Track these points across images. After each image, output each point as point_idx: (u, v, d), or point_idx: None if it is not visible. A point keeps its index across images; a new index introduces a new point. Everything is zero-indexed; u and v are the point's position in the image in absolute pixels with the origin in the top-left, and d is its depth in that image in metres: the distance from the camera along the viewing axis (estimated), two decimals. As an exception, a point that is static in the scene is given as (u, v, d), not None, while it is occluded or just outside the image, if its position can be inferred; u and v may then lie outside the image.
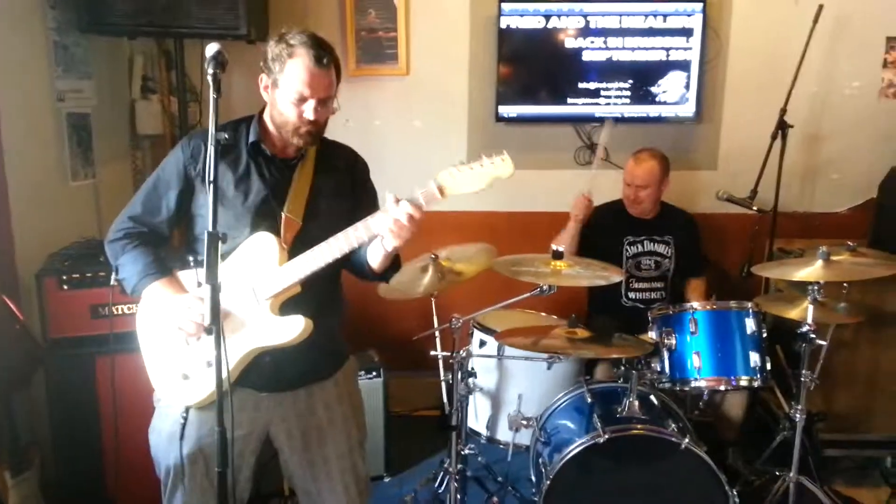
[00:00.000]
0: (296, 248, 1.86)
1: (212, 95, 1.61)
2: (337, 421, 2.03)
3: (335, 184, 1.98)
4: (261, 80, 1.87)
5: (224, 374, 1.58)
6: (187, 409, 1.88)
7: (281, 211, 1.88)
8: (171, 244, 2.05)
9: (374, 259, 1.88)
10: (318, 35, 1.85)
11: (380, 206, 2.01)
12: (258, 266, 1.85)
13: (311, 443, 2.00)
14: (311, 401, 2.00)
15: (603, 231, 3.25)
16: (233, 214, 1.87)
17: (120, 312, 2.61)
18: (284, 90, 1.81)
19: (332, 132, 3.76)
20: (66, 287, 2.61)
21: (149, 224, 1.94)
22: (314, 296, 1.89)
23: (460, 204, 3.69)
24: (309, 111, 1.81)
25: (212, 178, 1.57)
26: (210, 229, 1.56)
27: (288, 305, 1.86)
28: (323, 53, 1.80)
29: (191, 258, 1.80)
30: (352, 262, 1.94)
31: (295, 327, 1.83)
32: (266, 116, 1.92)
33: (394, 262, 1.93)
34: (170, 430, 1.92)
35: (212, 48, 1.61)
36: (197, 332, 1.83)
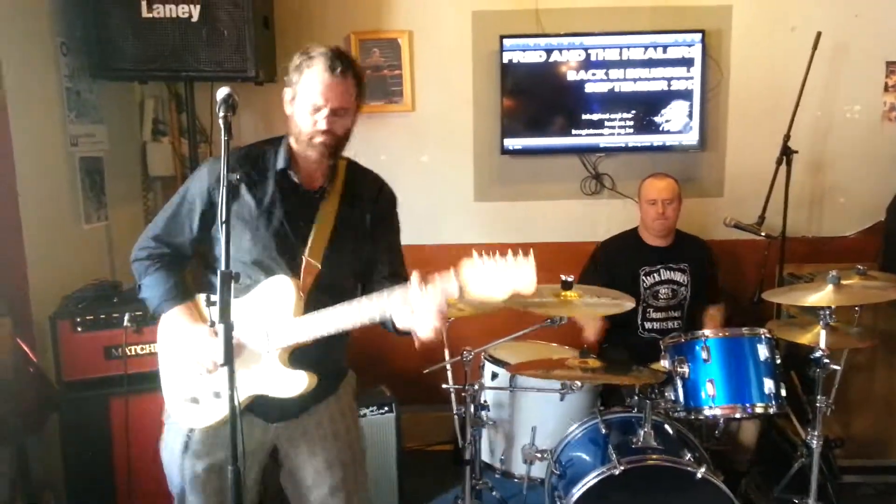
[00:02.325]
0: (312, 293, 1.86)
1: (223, 138, 1.63)
2: (340, 432, 2.04)
3: (356, 223, 1.96)
4: (285, 94, 1.88)
5: (236, 412, 1.60)
6: (191, 430, 1.90)
7: (302, 254, 1.88)
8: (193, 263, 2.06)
9: (400, 322, 1.73)
10: (340, 48, 1.85)
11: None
12: (274, 310, 1.85)
13: (316, 455, 2.01)
14: (318, 416, 2.01)
15: (618, 263, 3.26)
16: (253, 244, 1.87)
17: (133, 353, 2.63)
18: (301, 99, 1.82)
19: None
20: (79, 329, 2.63)
21: (171, 244, 1.95)
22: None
23: (470, 237, 3.77)
24: (321, 120, 1.80)
25: (224, 219, 1.58)
26: (223, 269, 1.57)
27: (297, 351, 1.86)
28: (337, 63, 1.79)
29: (204, 295, 1.81)
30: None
31: (299, 384, 1.84)
32: (291, 138, 1.90)
33: None
34: (178, 448, 1.94)
35: (222, 91, 1.64)
36: (211, 369, 1.86)
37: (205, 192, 1.88)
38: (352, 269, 1.91)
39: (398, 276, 1.93)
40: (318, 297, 1.85)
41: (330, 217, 1.92)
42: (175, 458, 1.95)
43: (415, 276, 1.62)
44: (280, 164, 1.89)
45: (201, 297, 1.97)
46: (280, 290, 1.85)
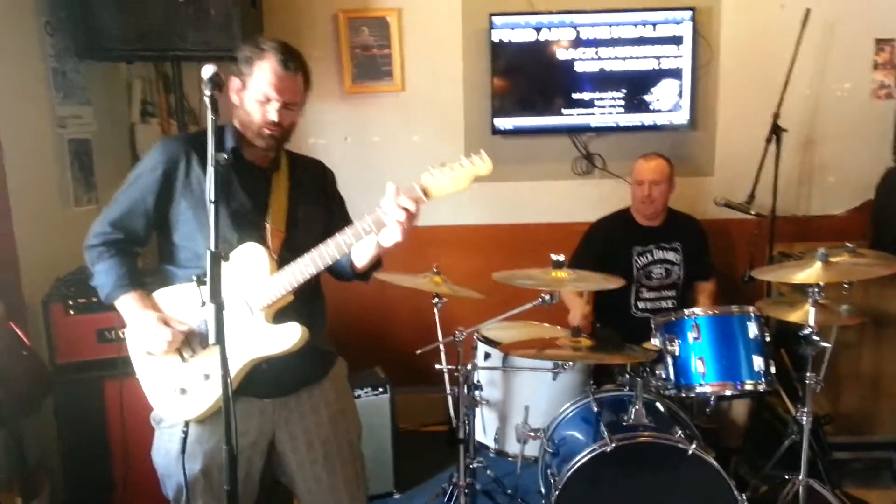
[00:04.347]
0: (282, 257, 1.90)
1: (209, 116, 1.63)
2: (337, 417, 2.07)
3: (309, 193, 2.04)
4: (231, 82, 1.91)
5: (228, 392, 1.59)
6: (187, 424, 1.89)
7: (265, 221, 1.93)
8: (143, 255, 2.06)
9: (361, 258, 1.94)
10: (289, 44, 1.92)
11: (354, 214, 2.09)
12: (249, 277, 1.87)
13: (313, 441, 2.02)
14: (313, 401, 2.03)
15: (611, 243, 3.26)
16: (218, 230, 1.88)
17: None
18: (251, 90, 1.86)
19: (332, 149, 3.80)
20: (72, 312, 2.63)
21: (127, 229, 1.93)
22: (304, 302, 1.93)
23: (461, 218, 3.78)
24: (272, 112, 1.86)
25: (213, 199, 1.59)
26: (212, 248, 1.57)
27: (281, 314, 1.89)
28: (290, 59, 1.86)
29: (194, 276, 1.80)
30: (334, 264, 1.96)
31: (292, 335, 1.86)
32: (235, 122, 1.94)
33: (377, 262, 2.00)
34: (177, 449, 1.91)
35: (208, 70, 1.64)
36: (163, 354, 1.87)
37: (159, 170, 1.89)
38: (313, 234, 1.95)
39: None
40: (287, 259, 1.88)
41: (283, 189, 1.99)
42: (174, 461, 1.91)
43: (391, 185, 1.79)
44: (231, 142, 1.92)
45: (158, 293, 1.95)
46: (251, 254, 1.88)
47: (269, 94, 1.85)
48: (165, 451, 1.96)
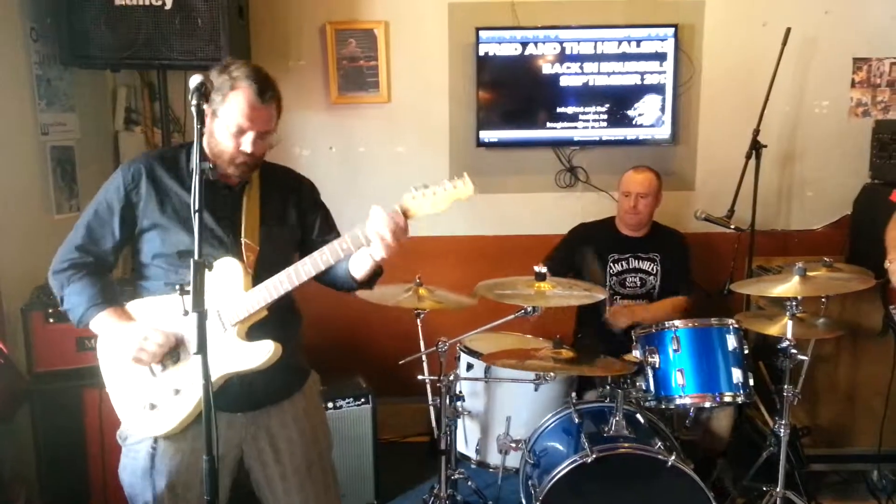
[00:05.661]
0: (257, 273, 1.88)
1: (196, 126, 1.62)
2: (306, 431, 2.05)
3: (282, 208, 2.01)
4: None
5: (210, 402, 1.59)
6: (156, 440, 1.88)
7: (238, 237, 1.90)
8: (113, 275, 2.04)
9: (359, 270, 1.90)
10: (262, 69, 1.87)
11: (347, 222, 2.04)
12: (223, 292, 1.84)
13: (282, 455, 2.01)
14: (282, 415, 2.01)
15: (588, 246, 3.29)
16: (185, 236, 1.86)
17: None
18: (224, 121, 1.81)
19: (317, 159, 3.79)
20: (51, 320, 2.61)
21: (95, 253, 1.91)
22: (278, 319, 1.91)
23: (445, 228, 3.79)
24: (247, 143, 1.82)
25: (197, 208, 1.57)
26: (196, 258, 1.56)
27: (254, 329, 1.87)
28: (266, 88, 1.82)
29: (177, 286, 1.78)
30: (331, 275, 1.94)
31: (264, 352, 1.84)
32: (204, 143, 1.87)
33: (377, 270, 1.95)
34: (143, 466, 1.90)
35: (195, 79, 1.62)
36: (152, 361, 1.84)
37: (121, 192, 1.88)
38: (287, 250, 1.96)
39: None
40: (262, 275, 1.86)
41: (255, 205, 1.95)
42: (140, 479, 1.90)
43: (376, 207, 1.78)
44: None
45: (130, 304, 1.93)
46: (226, 270, 1.85)
47: (244, 125, 1.80)
48: (132, 469, 1.93)
